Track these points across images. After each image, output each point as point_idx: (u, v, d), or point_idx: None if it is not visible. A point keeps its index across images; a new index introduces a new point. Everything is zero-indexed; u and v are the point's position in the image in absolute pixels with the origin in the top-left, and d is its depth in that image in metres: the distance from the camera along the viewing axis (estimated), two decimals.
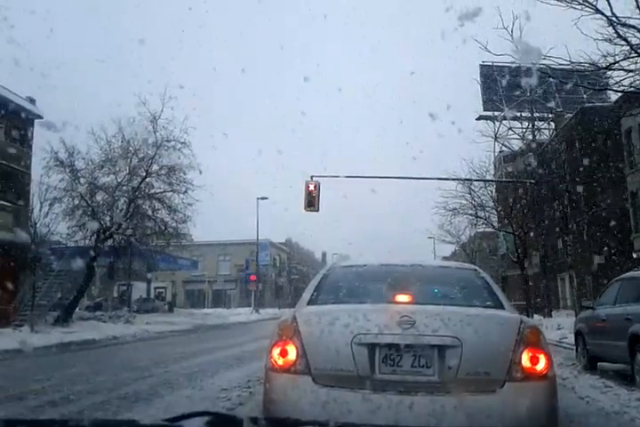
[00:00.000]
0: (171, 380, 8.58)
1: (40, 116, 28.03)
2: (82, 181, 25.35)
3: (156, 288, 50.72)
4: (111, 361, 12.32)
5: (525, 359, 3.32)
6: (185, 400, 6.74)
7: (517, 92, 38.71)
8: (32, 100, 28.25)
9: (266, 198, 43.26)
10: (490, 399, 3.22)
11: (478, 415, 3.14)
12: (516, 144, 41.30)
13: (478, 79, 41.59)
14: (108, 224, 25.44)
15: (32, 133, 27.55)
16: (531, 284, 31.43)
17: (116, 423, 1.53)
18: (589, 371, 9.79)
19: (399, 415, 3.11)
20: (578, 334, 11.03)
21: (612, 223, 27.57)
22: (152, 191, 26.64)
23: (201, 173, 26.15)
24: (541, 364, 3.35)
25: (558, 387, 3.70)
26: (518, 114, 43.26)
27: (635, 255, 27.33)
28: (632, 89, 14.31)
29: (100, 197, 25.96)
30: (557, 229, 32.79)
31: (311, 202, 20.47)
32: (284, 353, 3.43)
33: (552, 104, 39.19)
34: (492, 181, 32.24)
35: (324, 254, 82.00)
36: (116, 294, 37.92)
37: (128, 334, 20.01)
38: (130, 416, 5.71)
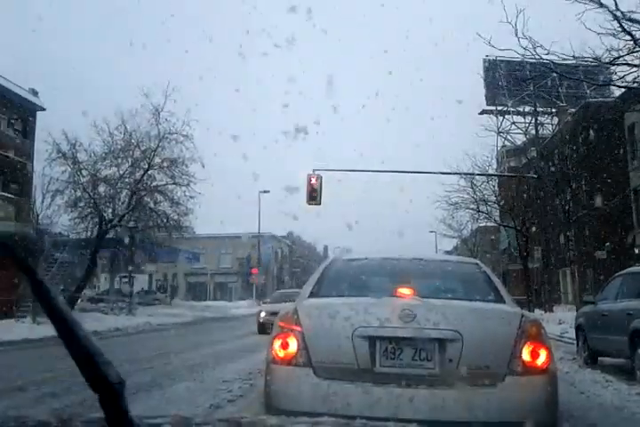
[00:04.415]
0: (172, 372, 8.58)
1: (42, 108, 28.00)
2: (84, 173, 25.39)
3: (157, 280, 50.81)
4: (113, 353, 12.08)
5: (526, 353, 3.32)
6: (185, 392, 6.75)
7: (520, 87, 38.54)
8: (35, 92, 28.18)
9: (267, 192, 43.16)
10: (490, 393, 3.22)
11: (478, 409, 3.15)
12: (519, 139, 41.15)
13: (481, 73, 41.33)
14: (110, 216, 25.48)
15: (34, 125, 27.55)
16: (532, 278, 31.43)
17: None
18: (590, 365, 9.79)
19: (399, 408, 3.11)
20: (579, 328, 11.03)
21: (615, 219, 27.50)
22: (154, 184, 26.64)
23: (204, 166, 26.15)
24: (542, 358, 3.36)
25: (559, 381, 3.70)
26: (521, 108, 43.09)
27: (637, 251, 27.26)
28: (636, 84, 14.22)
29: (102, 189, 26.00)
30: (559, 224, 32.74)
31: (313, 195, 20.38)
32: (285, 345, 3.44)
33: (555, 99, 39.04)
34: (494, 175, 32.12)
35: (325, 248, 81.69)
36: (117, 286, 37.98)
37: (130, 326, 20.05)
38: (130, 408, 5.71)
